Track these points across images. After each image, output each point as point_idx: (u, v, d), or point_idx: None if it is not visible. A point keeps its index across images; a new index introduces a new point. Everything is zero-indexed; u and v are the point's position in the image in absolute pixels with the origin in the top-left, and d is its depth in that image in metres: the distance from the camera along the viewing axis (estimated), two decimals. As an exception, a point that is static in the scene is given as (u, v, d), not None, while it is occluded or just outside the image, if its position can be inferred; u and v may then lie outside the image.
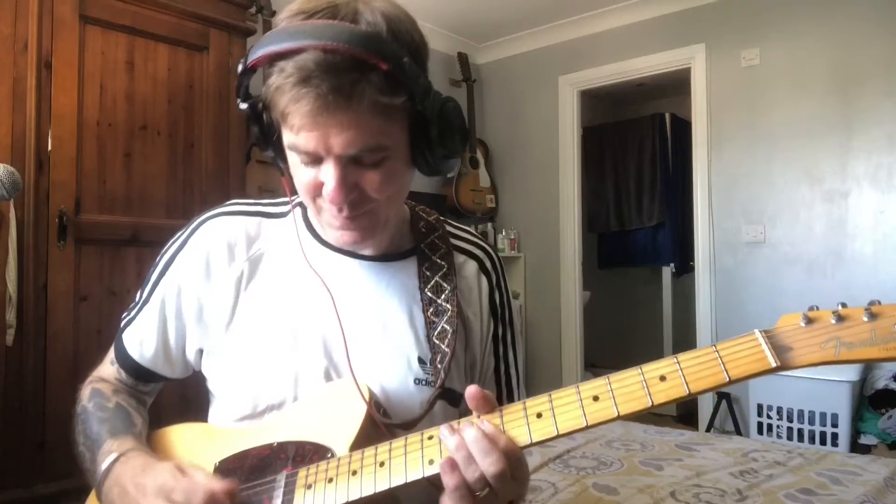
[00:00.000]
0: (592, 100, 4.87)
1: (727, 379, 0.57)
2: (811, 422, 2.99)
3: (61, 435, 1.98)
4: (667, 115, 4.85)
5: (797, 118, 3.33)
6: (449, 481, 0.62)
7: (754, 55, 3.48)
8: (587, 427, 0.61)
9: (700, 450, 1.94)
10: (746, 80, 3.51)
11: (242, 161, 2.61)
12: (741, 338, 0.58)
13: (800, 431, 3.03)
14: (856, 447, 2.91)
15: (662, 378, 0.60)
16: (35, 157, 1.99)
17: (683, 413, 4.12)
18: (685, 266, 4.73)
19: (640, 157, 4.92)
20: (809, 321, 0.56)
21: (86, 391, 0.89)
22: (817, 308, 0.57)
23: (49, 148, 2.03)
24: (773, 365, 0.55)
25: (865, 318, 0.54)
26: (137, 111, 2.26)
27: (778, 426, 3.10)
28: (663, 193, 4.80)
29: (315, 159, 0.71)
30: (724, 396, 3.47)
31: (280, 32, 0.67)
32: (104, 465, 0.76)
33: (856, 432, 2.98)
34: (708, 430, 3.54)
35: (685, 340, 4.53)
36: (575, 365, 4.18)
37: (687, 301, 4.54)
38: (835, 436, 2.92)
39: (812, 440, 2.98)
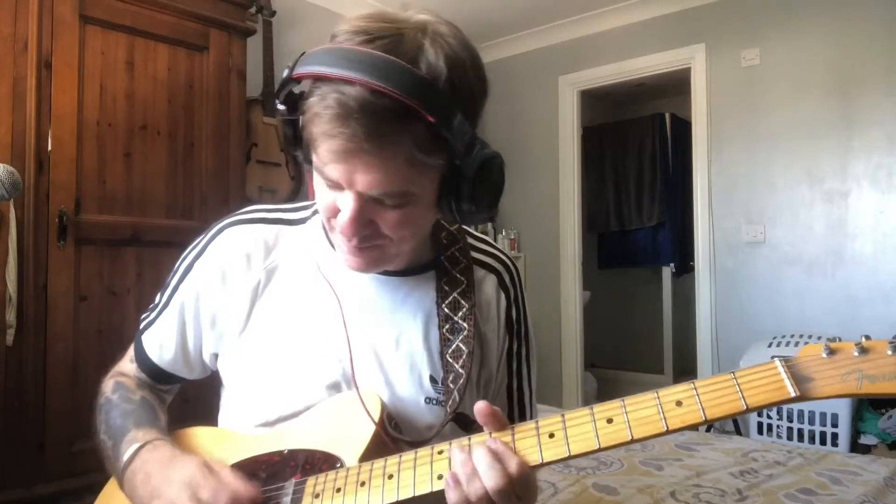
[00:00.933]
0: (592, 100, 4.87)
1: (745, 407, 0.56)
2: (811, 422, 2.99)
3: (61, 435, 1.99)
4: (667, 115, 4.85)
5: (797, 118, 3.33)
6: (451, 496, 0.62)
7: (754, 55, 3.47)
8: (600, 450, 0.60)
9: (700, 450, 1.94)
10: (746, 80, 3.51)
11: (242, 161, 2.61)
12: (761, 366, 0.57)
13: (800, 431, 3.03)
14: (856, 447, 2.91)
15: (679, 403, 0.58)
16: (35, 157, 1.99)
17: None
18: (685, 266, 4.73)
19: (640, 157, 4.92)
20: (831, 352, 0.55)
21: (108, 384, 0.90)
22: (839, 339, 0.56)
23: (49, 148, 2.03)
24: (793, 395, 0.55)
25: (890, 351, 0.53)
26: (137, 111, 2.26)
27: (778, 426, 3.10)
28: (663, 193, 4.80)
29: (337, 185, 0.69)
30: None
31: (333, 52, 0.64)
32: (129, 452, 0.76)
33: (856, 432, 2.98)
34: (708, 430, 3.53)
35: (685, 340, 4.53)
36: (575, 365, 4.18)
37: (687, 301, 4.54)
38: (835, 436, 2.92)
39: (812, 440, 2.97)
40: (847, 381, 0.54)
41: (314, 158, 0.68)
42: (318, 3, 3.45)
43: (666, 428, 0.58)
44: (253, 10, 2.86)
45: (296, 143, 0.72)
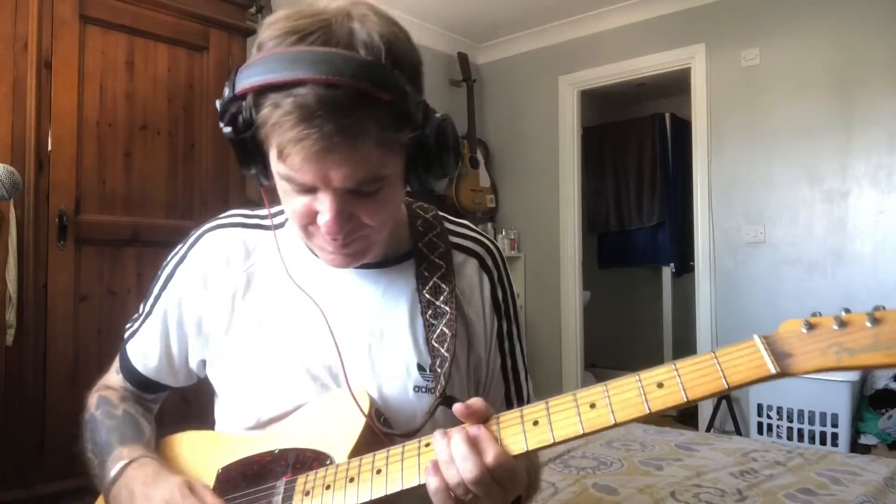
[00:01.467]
0: (592, 100, 4.87)
1: (726, 386, 0.56)
2: (811, 422, 2.99)
3: (61, 435, 1.99)
4: (667, 115, 4.85)
5: (797, 118, 3.33)
6: (430, 484, 0.63)
7: (754, 55, 3.48)
8: (584, 435, 0.60)
9: (700, 450, 1.94)
10: (746, 80, 3.51)
11: (242, 161, 2.61)
12: (740, 344, 0.57)
13: (800, 431, 3.03)
14: (856, 447, 2.91)
15: (660, 385, 0.58)
16: (35, 157, 1.99)
17: (683, 413, 4.12)
18: (685, 266, 4.73)
19: (640, 157, 4.92)
20: (811, 327, 0.55)
21: (93, 399, 0.90)
22: (819, 314, 0.56)
23: (49, 148, 2.03)
24: (773, 371, 0.54)
25: (868, 324, 0.53)
26: (137, 111, 2.26)
27: (778, 426, 3.10)
28: (663, 193, 4.80)
29: (310, 189, 0.68)
30: (724, 397, 3.47)
31: (272, 59, 0.63)
32: (115, 470, 0.77)
33: (856, 432, 2.98)
34: (708, 430, 3.54)
35: (685, 340, 4.53)
36: (575, 365, 4.18)
37: (687, 301, 4.54)
38: (835, 436, 2.92)
39: (812, 440, 2.98)
40: (827, 356, 0.53)
41: (281, 168, 0.67)
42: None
43: (648, 410, 0.58)
44: (253, 10, 2.85)
45: (252, 160, 0.71)
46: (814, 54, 3.28)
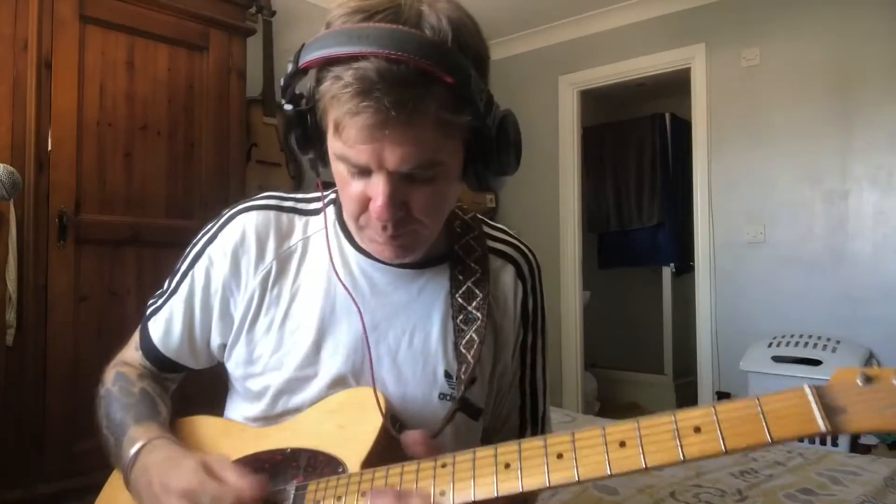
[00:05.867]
0: (592, 100, 4.87)
1: (769, 440, 0.51)
2: (811, 422, 2.99)
3: (61, 435, 1.99)
4: (667, 115, 4.85)
5: (797, 118, 3.33)
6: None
7: (754, 55, 3.47)
8: (610, 476, 0.55)
9: (700, 450, 1.94)
10: (746, 80, 3.51)
11: (242, 161, 2.62)
12: (788, 392, 0.52)
13: (800, 431, 3.03)
14: (856, 447, 2.91)
15: (697, 429, 0.53)
16: (35, 157, 1.99)
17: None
18: (685, 266, 4.73)
19: (640, 157, 4.92)
20: (868, 380, 0.49)
21: (110, 374, 0.87)
22: (878, 364, 0.52)
23: (49, 148, 2.03)
24: (822, 429, 0.49)
25: None
26: (137, 111, 2.26)
27: (778, 426, 3.09)
28: (663, 193, 4.80)
29: (364, 171, 0.67)
30: (724, 396, 3.47)
31: (338, 34, 0.62)
32: (131, 453, 0.74)
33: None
34: (708, 430, 3.53)
35: (685, 340, 4.53)
36: (575, 365, 4.18)
37: (687, 301, 4.54)
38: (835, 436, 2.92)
39: (812, 440, 2.98)
40: (885, 415, 0.48)
41: (337, 146, 0.66)
42: (318, 2, 3.45)
43: (682, 458, 0.53)
44: (253, 10, 2.86)
45: (310, 140, 0.71)
46: (814, 54, 3.28)
